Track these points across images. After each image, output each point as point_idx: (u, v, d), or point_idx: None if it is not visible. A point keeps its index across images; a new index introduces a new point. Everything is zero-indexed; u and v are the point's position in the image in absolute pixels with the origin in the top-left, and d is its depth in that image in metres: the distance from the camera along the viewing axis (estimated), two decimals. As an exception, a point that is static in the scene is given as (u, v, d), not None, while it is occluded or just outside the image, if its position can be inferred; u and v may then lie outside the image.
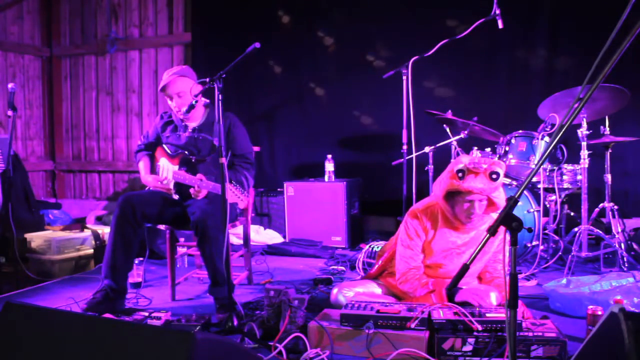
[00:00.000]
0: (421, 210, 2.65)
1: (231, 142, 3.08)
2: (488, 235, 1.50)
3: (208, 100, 3.20)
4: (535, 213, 3.72)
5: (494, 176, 2.42)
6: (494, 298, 2.48)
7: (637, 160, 4.44)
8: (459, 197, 2.49)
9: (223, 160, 2.52)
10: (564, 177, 3.80)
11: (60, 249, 3.91)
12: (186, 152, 3.06)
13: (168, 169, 3.05)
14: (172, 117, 3.21)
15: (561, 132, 1.46)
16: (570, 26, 4.56)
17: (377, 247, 3.65)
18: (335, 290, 2.66)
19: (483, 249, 2.60)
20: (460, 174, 2.44)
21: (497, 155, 3.88)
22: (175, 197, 3.03)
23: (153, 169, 3.19)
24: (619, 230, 3.62)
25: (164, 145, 3.16)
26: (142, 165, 3.20)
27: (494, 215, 2.65)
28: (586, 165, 3.53)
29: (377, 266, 2.87)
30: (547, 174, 3.76)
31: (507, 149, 3.80)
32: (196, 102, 2.80)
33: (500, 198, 2.51)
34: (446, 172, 2.54)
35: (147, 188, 3.20)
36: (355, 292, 2.64)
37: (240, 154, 3.11)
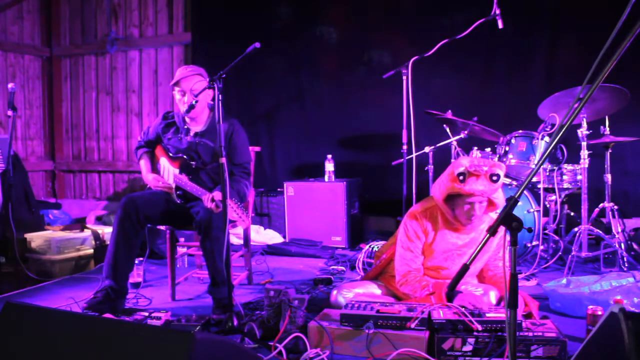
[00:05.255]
0: (420, 212, 2.65)
1: (232, 149, 3.04)
2: (488, 235, 1.50)
3: (212, 102, 3.17)
4: (535, 213, 3.72)
5: (495, 178, 2.43)
6: (492, 297, 2.49)
7: (637, 160, 4.44)
8: (459, 200, 2.49)
9: (223, 160, 2.52)
10: (564, 177, 3.80)
11: (60, 249, 3.91)
12: (185, 157, 3.03)
13: (169, 170, 3.04)
14: (175, 118, 3.17)
15: (561, 132, 1.46)
16: (570, 26, 4.56)
17: (377, 247, 3.65)
18: (335, 292, 2.67)
19: (483, 248, 2.64)
20: (461, 177, 2.44)
21: (497, 155, 3.88)
22: (178, 201, 3.02)
23: (154, 167, 3.18)
24: (619, 230, 3.62)
25: (164, 146, 3.15)
26: (143, 164, 3.19)
27: (493, 215, 2.66)
28: (586, 165, 3.53)
29: (375, 267, 2.88)
30: (547, 174, 3.76)
31: (507, 149, 3.80)
32: (196, 102, 2.79)
33: (500, 198, 2.52)
34: (446, 174, 2.53)
35: (147, 187, 3.20)
36: (355, 293, 2.65)
37: (239, 162, 3.08)
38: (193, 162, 3.03)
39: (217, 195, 2.68)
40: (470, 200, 2.47)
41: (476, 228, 2.63)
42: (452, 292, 2.40)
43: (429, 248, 2.65)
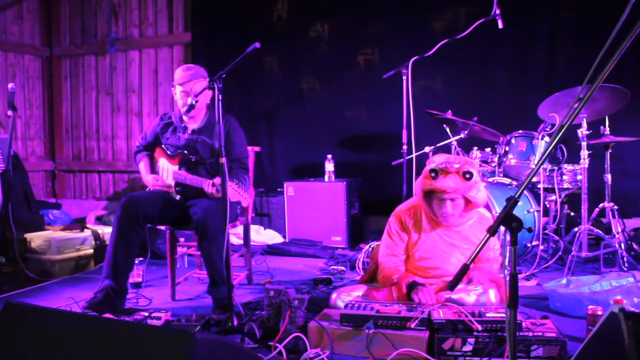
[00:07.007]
0: (404, 211, 2.72)
1: (229, 145, 3.04)
2: (488, 235, 1.50)
3: (209, 102, 3.18)
4: (535, 213, 3.72)
5: (467, 176, 2.47)
6: (492, 295, 2.49)
7: (637, 160, 4.44)
8: (434, 196, 2.55)
9: (223, 160, 2.53)
10: (564, 177, 3.80)
11: (60, 249, 3.91)
12: (185, 152, 3.06)
13: (168, 169, 3.05)
14: (172, 119, 3.19)
15: (561, 132, 1.46)
16: (570, 26, 4.56)
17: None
18: (334, 296, 2.67)
19: (469, 241, 2.64)
20: (433, 174, 2.50)
21: (497, 155, 3.88)
22: (177, 197, 3.03)
23: (153, 169, 3.20)
24: (619, 230, 3.62)
25: (163, 146, 3.17)
26: (142, 166, 3.22)
27: (483, 211, 2.67)
28: (586, 165, 3.53)
29: (370, 268, 2.90)
30: (547, 174, 3.76)
31: (507, 149, 3.80)
32: (196, 102, 2.80)
33: (478, 197, 2.54)
34: (423, 171, 2.59)
35: (148, 188, 3.21)
36: (354, 297, 2.65)
37: (236, 158, 3.09)
38: (192, 157, 3.06)
39: (218, 180, 2.70)
40: (443, 197, 2.51)
41: (462, 224, 2.65)
42: (413, 285, 2.45)
43: (414, 247, 2.68)
